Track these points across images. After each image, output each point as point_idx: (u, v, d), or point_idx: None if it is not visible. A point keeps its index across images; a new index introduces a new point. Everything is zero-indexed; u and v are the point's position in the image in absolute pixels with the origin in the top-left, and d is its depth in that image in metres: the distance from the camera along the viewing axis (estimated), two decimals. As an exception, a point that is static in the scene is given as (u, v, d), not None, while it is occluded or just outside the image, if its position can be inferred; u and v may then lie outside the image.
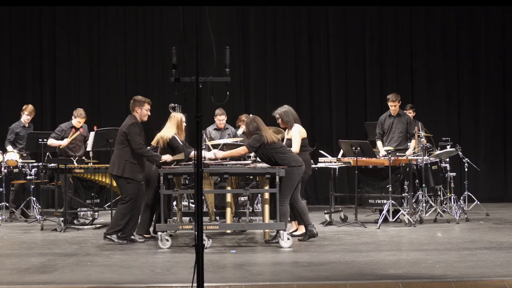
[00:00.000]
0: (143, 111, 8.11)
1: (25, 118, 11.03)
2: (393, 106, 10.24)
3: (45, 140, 10.20)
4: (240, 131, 10.67)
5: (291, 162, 7.92)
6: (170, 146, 8.33)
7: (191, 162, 8.49)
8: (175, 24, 12.94)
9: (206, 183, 8.12)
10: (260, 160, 8.50)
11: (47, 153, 10.37)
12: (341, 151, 9.94)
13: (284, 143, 8.41)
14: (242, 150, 8.11)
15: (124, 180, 7.93)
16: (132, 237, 8.01)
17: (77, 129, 10.12)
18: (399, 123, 10.26)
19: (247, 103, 13.27)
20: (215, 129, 10.72)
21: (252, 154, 8.64)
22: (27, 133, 10.78)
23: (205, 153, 8.37)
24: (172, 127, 8.41)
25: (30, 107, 11.10)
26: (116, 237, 7.97)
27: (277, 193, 7.64)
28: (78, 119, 10.15)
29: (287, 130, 8.65)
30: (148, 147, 8.36)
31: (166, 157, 8.15)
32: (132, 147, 7.91)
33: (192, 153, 8.28)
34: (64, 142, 10.01)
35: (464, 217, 9.99)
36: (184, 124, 8.55)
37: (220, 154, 8.32)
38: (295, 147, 8.36)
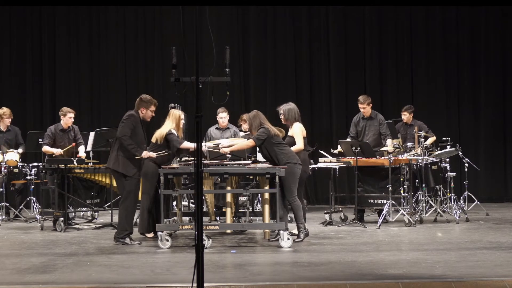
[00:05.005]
0: (147, 113, 8.06)
1: (7, 122, 10.84)
2: (363, 109, 10.17)
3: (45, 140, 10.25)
4: (241, 134, 10.66)
5: (292, 159, 7.92)
6: (167, 141, 8.27)
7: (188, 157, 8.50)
8: (175, 24, 12.94)
9: (206, 183, 8.12)
10: (259, 160, 8.49)
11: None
12: (338, 148, 9.91)
13: (285, 140, 8.38)
14: (250, 142, 8.07)
15: (119, 175, 7.92)
16: (127, 239, 7.97)
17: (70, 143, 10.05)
18: (371, 125, 10.18)
19: (247, 103, 13.25)
20: (216, 128, 10.71)
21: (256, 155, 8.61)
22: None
23: (207, 145, 8.35)
24: (171, 124, 8.37)
25: (8, 109, 10.87)
26: (129, 240, 7.92)
27: (277, 193, 7.63)
28: (68, 116, 10.00)
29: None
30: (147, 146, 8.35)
31: (145, 153, 7.99)
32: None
33: (188, 145, 8.23)
34: (58, 151, 9.94)
35: (464, 217, 9.99)
36: (183, 121, 8.52)
37: (226, 147, 8.30)
38: (300, 144, 8.32)
